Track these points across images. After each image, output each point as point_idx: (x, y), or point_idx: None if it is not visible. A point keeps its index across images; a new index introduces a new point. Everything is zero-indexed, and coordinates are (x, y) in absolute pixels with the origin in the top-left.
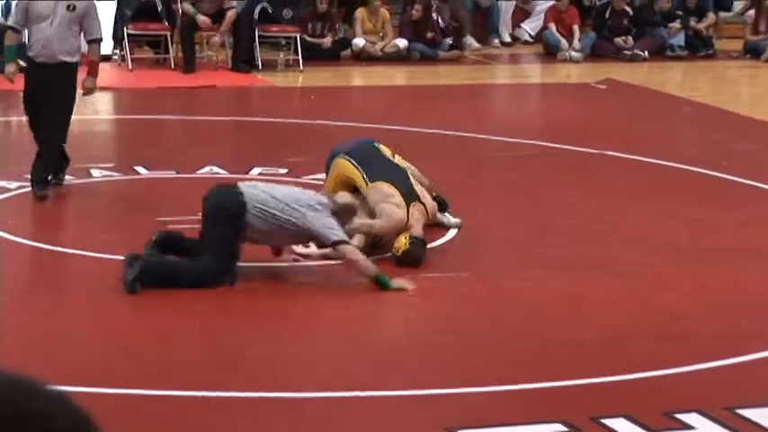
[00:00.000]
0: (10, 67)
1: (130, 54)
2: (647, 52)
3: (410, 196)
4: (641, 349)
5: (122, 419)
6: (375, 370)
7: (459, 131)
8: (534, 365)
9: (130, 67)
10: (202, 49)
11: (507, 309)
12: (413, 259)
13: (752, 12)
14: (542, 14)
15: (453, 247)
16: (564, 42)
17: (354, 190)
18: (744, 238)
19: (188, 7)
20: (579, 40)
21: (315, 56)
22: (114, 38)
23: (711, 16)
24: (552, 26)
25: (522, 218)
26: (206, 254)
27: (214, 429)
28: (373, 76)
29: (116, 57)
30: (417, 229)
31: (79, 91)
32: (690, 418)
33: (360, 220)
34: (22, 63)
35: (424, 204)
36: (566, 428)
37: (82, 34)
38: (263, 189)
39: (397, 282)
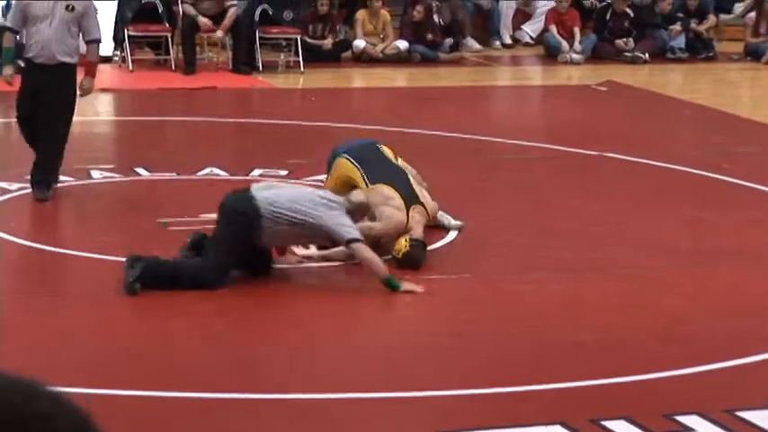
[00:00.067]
0: (8, 70)
1: (131, 55)
2: (647, 54)
3: (410, 199)
4: (642, 351)
5: (122, 420)
6: (375, 371)
7: (459, 133)
8: (534, 367)
9: (131, 68)
10: (203, 51)
11: (508, 311)
12: (413, 261)
13: (752, 14)
14: (543, 16)
15: (455, 249)
16: (565, 44)
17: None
18: (744, 241)
19: (189, 9)
20: (580, 42)
21: (315, 57)
22: (115, 39)
23: (712, 18)
24: (553, 28)
25: (523, 220)
26: (211, 252)
27: (214, 430)
28: (374, 77)
29: (117, 58)
30: (417, 232)
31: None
32: (690, 420)
33: (359, 223)
34: (21, 63)
35: (424, 206)
36: (566, 430)
37: (80, 35)
38: (275, 190)
39: (406, 285)
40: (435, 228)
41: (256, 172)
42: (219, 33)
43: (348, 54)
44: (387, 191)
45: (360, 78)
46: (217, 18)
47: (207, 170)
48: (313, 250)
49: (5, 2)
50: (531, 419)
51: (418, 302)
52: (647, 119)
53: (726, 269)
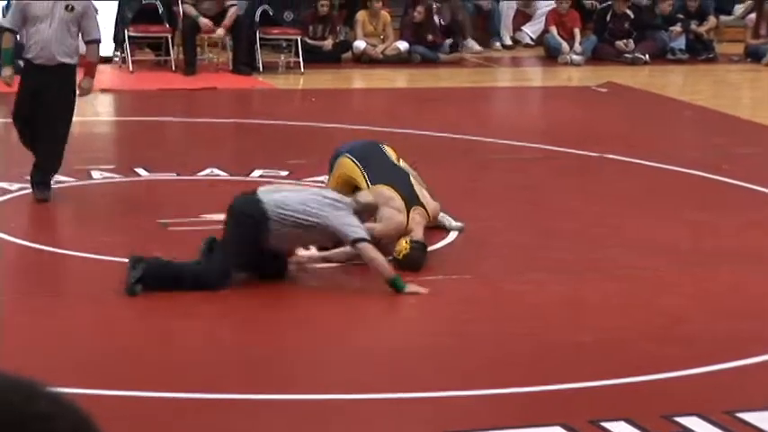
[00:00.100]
0: (7, 71)
1: (131, 56)
2: (647, 55)
3: (411, 200)
4: (642, 352)
5: (122, 421)
6: (376, 372)
7: (460, 134)
8: (534, 368)
9: (131, 68)
10: (203, 52)
11: (508, 311)
12: (413, 263)
13: (753, 15)
14: (543, 17)
15: (455, 249)
16: (565, 45)
17: (356, 190)
18: (744, 242)
19: (189, 9)
20: (580, 44)
21: (316, 58)
22: (115, 40)
23: (712, 20)
24: (553, 29)
25: (523, 221)
26: (219, 254)
27: (214, 431)
28: (374, 78)
29: (117, 59)
30: (418, 233)
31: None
32: (690, 421)
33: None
34: (20, 63)
35: (425, 207)
36: (565, 431)
37: (80, 35)
38: (282, 193)
39: (411, 286)
40: (435, 228)
41: (256, 172)
42: (220, 31)
43: (348, 55)
44: (387, 192)
45: (360, 79)
46: (217, 18)
47: (207, 171)
48: (313, 251)
49: (5, 2)
50: (532, 420)
51: (419, 303)
52: (648, 120)
53: (726, 270)
